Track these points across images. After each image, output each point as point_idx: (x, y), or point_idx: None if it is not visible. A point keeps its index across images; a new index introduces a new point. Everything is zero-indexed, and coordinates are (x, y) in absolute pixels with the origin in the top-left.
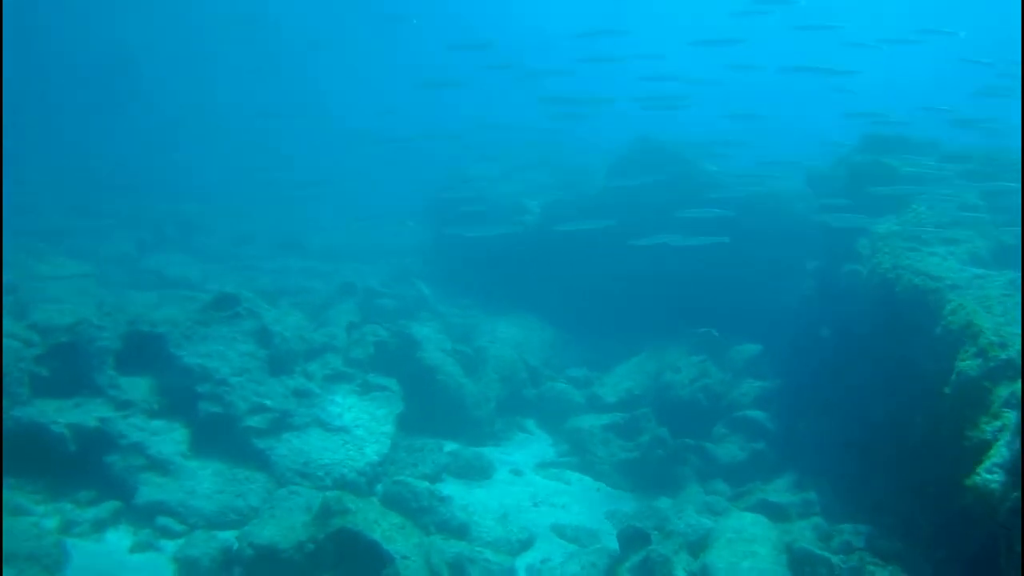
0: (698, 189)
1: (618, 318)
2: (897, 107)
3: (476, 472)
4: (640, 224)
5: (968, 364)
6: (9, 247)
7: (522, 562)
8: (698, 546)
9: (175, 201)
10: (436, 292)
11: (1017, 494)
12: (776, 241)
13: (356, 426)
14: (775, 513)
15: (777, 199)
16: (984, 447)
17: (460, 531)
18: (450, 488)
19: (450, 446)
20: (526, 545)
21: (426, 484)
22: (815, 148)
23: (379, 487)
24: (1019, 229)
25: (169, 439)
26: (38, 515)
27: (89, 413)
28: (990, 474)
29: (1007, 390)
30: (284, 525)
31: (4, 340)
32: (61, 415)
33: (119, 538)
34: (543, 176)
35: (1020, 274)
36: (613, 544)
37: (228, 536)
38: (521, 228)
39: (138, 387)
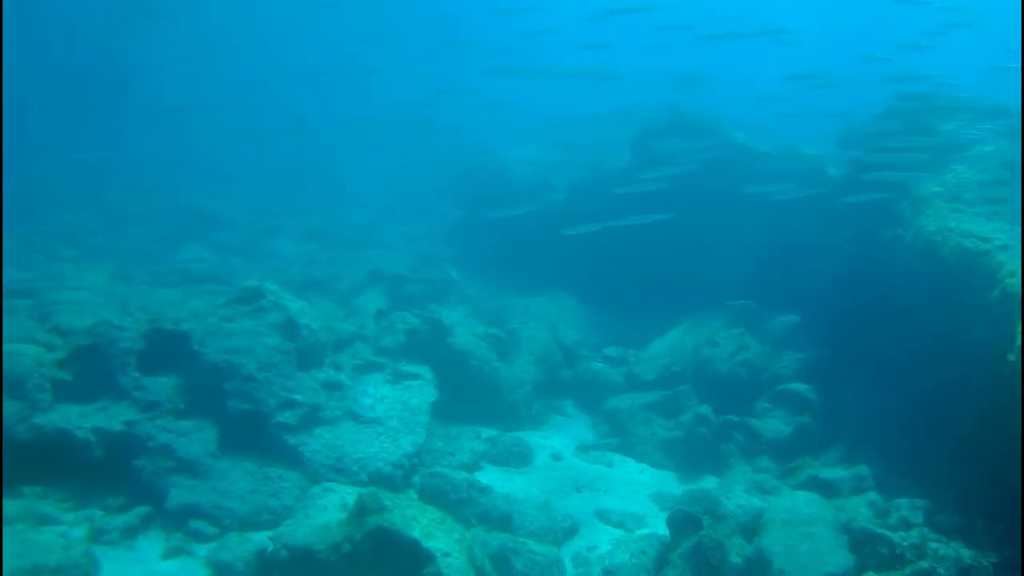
0: (729, 159)
1: (650, 293)
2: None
3: (515, 458)
4: (671, 198)
5: None
6: (27, 249)
7: (568, 551)
8: (750, 528)
9: (194, 195)
10: (464, 275)
11: None
12: (809, 208)
13: (390, 417)
14: (827, 490)
15: (808, 165)
16: None
17: (502, 522)
18: (489, 476)
19: (487, 432)
20: (571, 533)
21: (465, 475)
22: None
23: (416, 479)
24: None
25: (198, 439)
26: (67, 524)
27: (114, 417)
28: None
29: None
30: (319, 525)
31: (26, 346)
32: (85, 420)
33: (150, 544)
34: (568, 155)
35: None
36: (661, 528)
37: (262, 537)
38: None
39: (163, 387)
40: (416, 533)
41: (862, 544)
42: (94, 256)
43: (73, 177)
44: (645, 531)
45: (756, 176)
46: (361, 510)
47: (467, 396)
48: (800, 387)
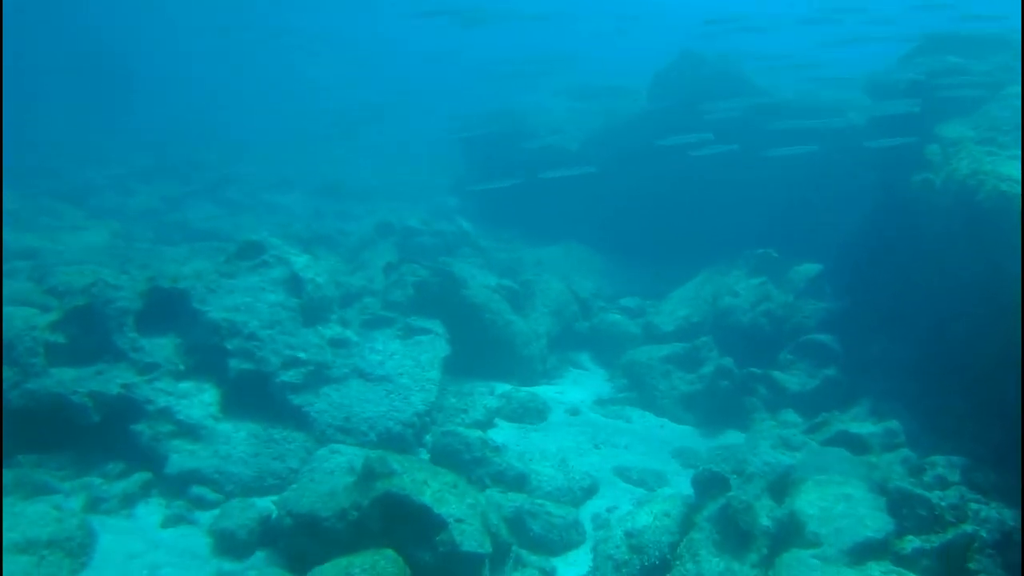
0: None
1: (667, 242)
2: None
3: (531, 414)
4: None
5: None
6: (29, 209)
7: (587, 512)
8: (779, 486)
9: (202, 151)
10: (477, 227)
11: None
12: (831, 153)
13: (399, 374)
14: (857, 445)
15: (831, 109)
16: None
17: (518, 482)
18: (504, 434)
19: (501, 388)
20: (589, 493)
21: (478, 433)
22: None
23: (428, 438)
24: None
25: (198, 402)
26: (63, 492)
27: (111, 380)
28: None
29: None
30: (325, 490)
31: (18, 308)
32: (81, 384)
33: (150, 512)
34: (582, 102)
35: None
36: (683, 486)
37: (267, 503)
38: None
39: (162, 348)
40: (427, 498)
41: (899, 505)
42: (98, 215)
43: (80, 136)
44: (667, 490)
45: (776, 118)
46: (368, 474)
47: (480, 350)
48: (824, 338)
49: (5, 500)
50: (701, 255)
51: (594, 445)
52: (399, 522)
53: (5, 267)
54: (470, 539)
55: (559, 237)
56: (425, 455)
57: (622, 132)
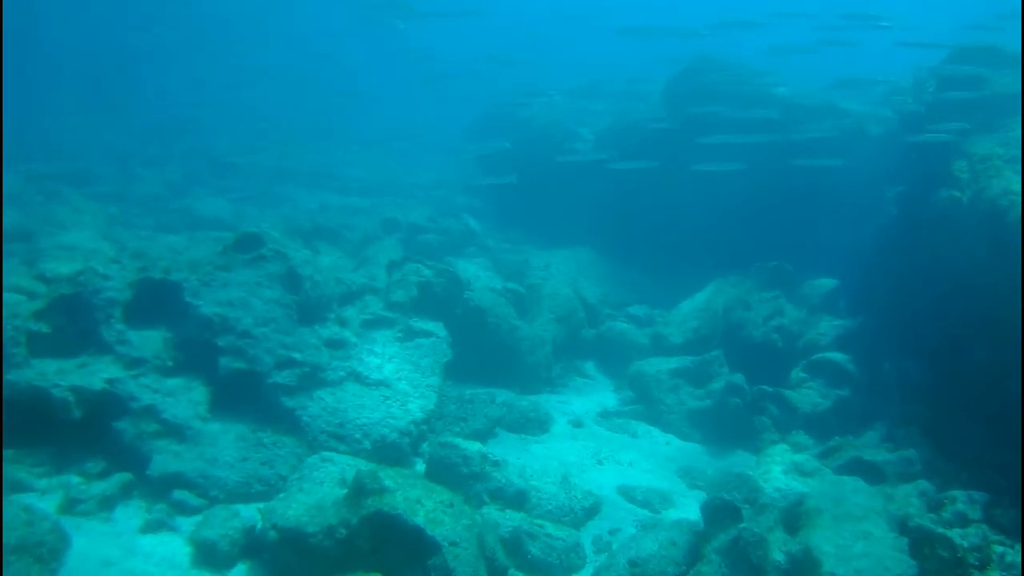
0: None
1: (677, 250)
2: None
3: (532, 425)
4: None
5: None
6: (29, 191)
7: (588, 533)
8: (792, 516)
9: (207, 140)
10: (484, 226)
11: None
12: (849, 165)
13: (398, 379)
14: (872, 474)
15: (849, 121)
16: None
17: (517, 500)
18: (504, 444)
19: (503, 395)
20: (591, 513)
21: (478, 446)
22: None
23: (425, 446)
24: None
25: (186, 400)
26: (39, 491)
27: (95, 374)
28: None
29: None
30: (313, 503)
31: (5, 294)
32: (63, 377)
33: (129, 516)
34: (595, 103)
35: None
36: (689, 509)
37: (252, 511)
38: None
39: (151, 342)
40: (420, 519)
41: (920, 544)
42: (99, 199)
43: (86, 120)
44: (673, 513)
45: (792, 129)
46: (359, 490)
47: (483, 355)
48: (838, 357)
49: None
50: (712, 264)
51: (597, 460)
52: (390, 543)
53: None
54: (464, 565)
55: (567, 240)
56: (421, 466)
57: (634, 135)
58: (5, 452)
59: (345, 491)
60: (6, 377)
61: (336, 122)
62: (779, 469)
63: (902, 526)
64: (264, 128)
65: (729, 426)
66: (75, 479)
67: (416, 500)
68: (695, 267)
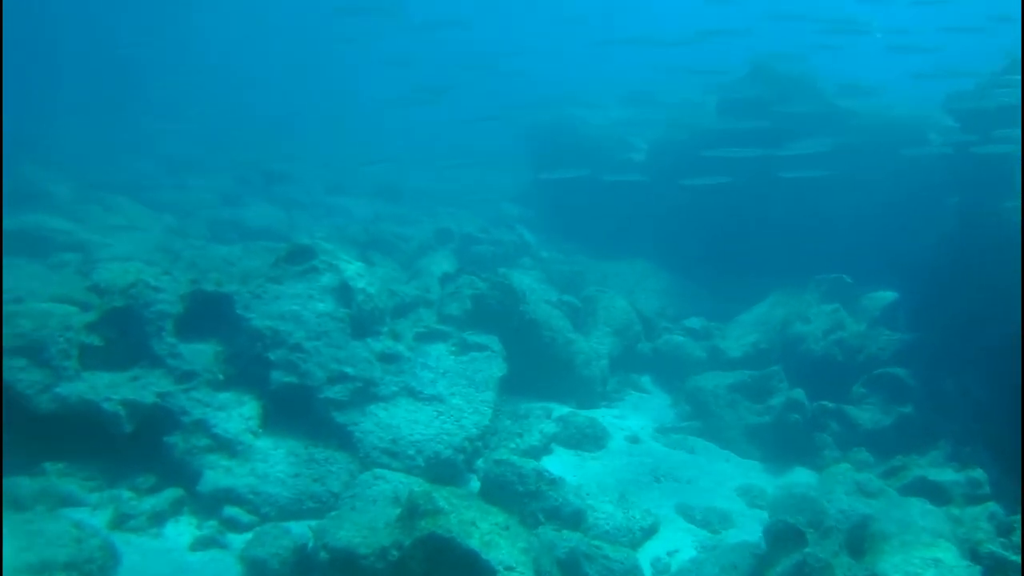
0: (821, 119)
1: (734, 262)
2: None
3: (589, 441)
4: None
5: None
6: (82, 200)
7: (646, 555)
8: (857, 539)
9: (261, 149)
10: (538, 236)
11: None
12: (907, 174)
13: (452, 394)
14: (937, 495)
15: (908, 127)
16: None
17: (574, 520)
18: (560, 461)
19: (559, 410)
20: (649, 533)
21: (533, 464)
22: None
23: (479, 462)
24: None
25: (237, 415)
26: (90, 505)
27: (146, 387)
28: None
29: None
30: (365, 523)
31: (56, 306)
32: (115, 391)
33: (179, 532)
34: (647, 112)
35: None
36: (749, 529)
37: (303, 529)
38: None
39: (202, 355)
40: (475, 543)
41: (994, 573)
42: (153, 208)
43: (133, 128)
44: (733, 534)
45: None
46: (412, 511)
47: (537, 369)
48: (899, 372)
49: (23, 515)
50: (769, 276)
51: (655, 478)
52: (444, 566)
53: (54, 260)
54: None
55: (622, 251)
56: (475, 482)
57: (688, 145)
58: (56, 465)
59: (398, 511)
60: (56, 390)
61: (384, 129)
62: (842, 489)
63: (973, 552)
64: (310, 135)
65: (789, 443)
66: (126, 494)
67: (471, 522)
68: (752, 279)
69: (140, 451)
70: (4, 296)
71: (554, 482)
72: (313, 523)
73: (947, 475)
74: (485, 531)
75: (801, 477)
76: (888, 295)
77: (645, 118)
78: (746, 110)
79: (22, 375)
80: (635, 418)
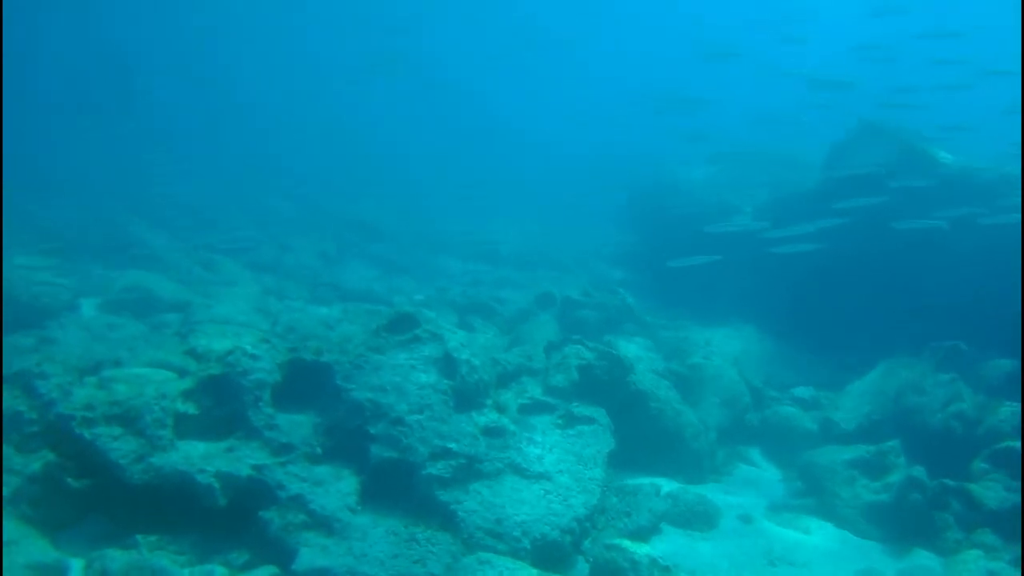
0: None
1: (840, 327)
2: None
3: (700, 520)
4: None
5: None
6: (186, 261)
7: None
8: None
9: (352, 205)
10: (639, 300)
11: None
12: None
13: (559, 471)
14: None
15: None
16: None
17: None
18: (670, 542)
19: (667, 486)
20: None
21: (647, 550)
22: None
23: (587, 543)
24: None
25: (335, 490)
26: None
27: (242, 459)
28: None
29: None
30: None
31: (153, 371)
32: (209, 462)
33: None
34: (750, 171)
35: None
36: None
37: None
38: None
39: (299, 427)
40: None
41: None
42: (253, 269)
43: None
44: None
45: (963, 201)
46: None
47: (644, 442)
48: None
49: None
50: (877, 342)
51: (769, 561)
52: None
53: (156, 320)
54: None
55: (726, 316)
56: (583, 564)
57: (793, 206)
58: (148, 538)
59: None
60: (150, 460)
61: (480, 188)
62: None
63: None
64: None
65: (909, 523)
66: (219, 570)
67: None
68: (860, 346)
69: (234, 525)
70: (105, 357)
71: (668, 569)
72: None
73: None
74: None
75: (922, 560)
76: (1007, 363)
77: (746, 178)
78: (856, 176)
79: (116, 444)
80: (745, 494)
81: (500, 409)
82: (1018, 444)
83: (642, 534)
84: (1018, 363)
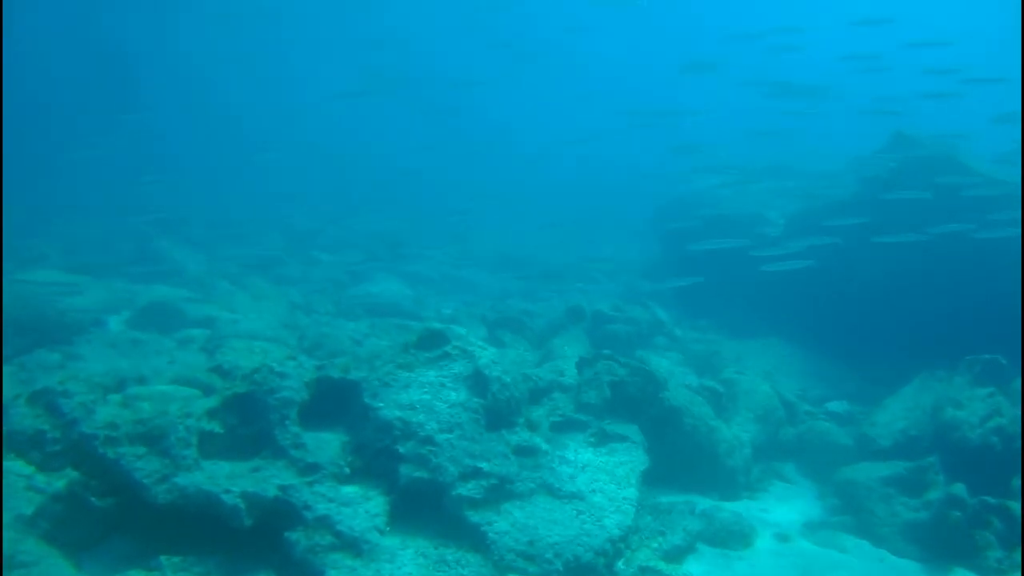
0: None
1: (876, 338)
2: None
3: (735, 538)
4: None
5: None
6: (214, 275)
7: None
8: None
9: (377, 219)
10: (671, 314)
11: None
12: None
13: (592, 491)
14: None
15: None
16: None
17: None
18: (706, 562)
19: (701, 503)
20: None
21: (683, 572)
22: None
23: (620, 564)
24: None
25: (363, 511)
26: None
27: (268, 480)
28: None
29: None
30: None
31: (177, 389)
32: (234, 482)
33: None
34: (780, 184)
35: None
36: None
37: None
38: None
39: (327, 446)
40: None
41: None
42: (281, 283)
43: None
44: None
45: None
46: None
47: (678, 458)
48: None
49: None
50: (911, 355)
51: None
52: None
53: (182, 335)
54: None
55: (757, 329)
56: None
57: (825, 217)
58: (172, 559)
59: None
60: (175, 480)
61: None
62: None
63: None
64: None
65: (948, 542)
66: None
67: None
68: (894, 358)
69: (259, 546)
70: (129, 374)
71: None
72: None
73: None
74: None
75: None
76: None
77: (779, 188)
78: (889, 183)
79: (140, 463)
80: (780, 511)
81: (532, 427)
82: None
83: (677, 554)
84: None
